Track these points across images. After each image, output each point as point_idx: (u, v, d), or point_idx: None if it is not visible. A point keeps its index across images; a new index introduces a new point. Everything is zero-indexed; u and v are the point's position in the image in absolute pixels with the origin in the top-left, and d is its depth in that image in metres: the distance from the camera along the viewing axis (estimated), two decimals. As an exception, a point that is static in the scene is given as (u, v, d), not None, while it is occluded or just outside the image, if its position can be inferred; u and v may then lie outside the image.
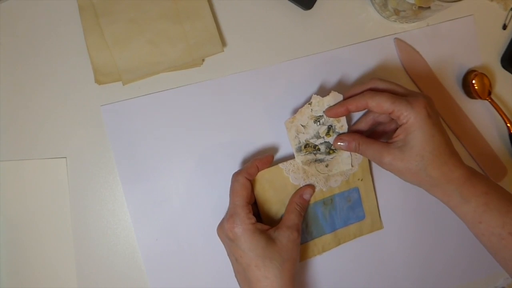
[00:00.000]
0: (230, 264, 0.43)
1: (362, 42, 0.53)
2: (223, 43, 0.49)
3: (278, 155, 0.50)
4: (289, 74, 0.51)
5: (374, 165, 0.51)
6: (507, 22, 0.56)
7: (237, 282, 0.43)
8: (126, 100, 0.48)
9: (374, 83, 0.44)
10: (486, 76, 0.54)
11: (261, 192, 0.45)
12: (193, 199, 0.49)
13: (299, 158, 0.46)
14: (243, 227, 0.41)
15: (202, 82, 0.49)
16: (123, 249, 0.48)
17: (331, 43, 0.52)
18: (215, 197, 0.48)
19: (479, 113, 0.55)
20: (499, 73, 0.56)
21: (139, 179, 0.48)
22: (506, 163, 0.55)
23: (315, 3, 0.50)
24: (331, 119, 0.46)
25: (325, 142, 0.47)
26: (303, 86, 0.51)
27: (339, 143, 0.46)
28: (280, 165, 0.46)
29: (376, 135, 0.50)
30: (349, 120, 0.49)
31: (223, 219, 0.43)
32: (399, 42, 0.53)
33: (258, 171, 0.44)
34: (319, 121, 0.46)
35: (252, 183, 0.44)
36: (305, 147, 0.46)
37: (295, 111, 0.47)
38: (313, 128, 0.46)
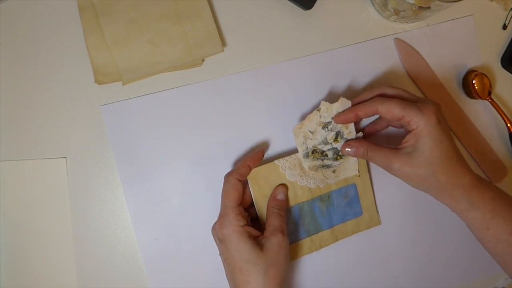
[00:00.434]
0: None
1: (362, 42, 0.53)
2: (223, 43, 0.49)
3: (277, 153, 0.50)
4: (289, 74, 0.51)
5: (372, 163, 0.51)
6: (507, 22, 0.56)
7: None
8: (126, 100, 0.48)
9: (383, 89, 0.44)
10: (486, 76, 0.54)
11: (257, 189, 0.45)
12: (192, 199, 0.49)
13: (306, 164, 0.47)
14: (231, 228, 0.41)
15: (202, 82, 0.49)
16: (123, 249, 0.48)
17: (331, 43, 0.52)
18: (215, 197, 0.48)
19: (479, 113, 0.55)
20: (499, 73, 0.56)
21: (139, 179, 0.48)
22: (506, 163, 0.55)
23: (315, 3, 0.50)
24: (339, 125, 0.46)
25: (333, 148, 0.47)
26: (303, 86, 0.51)
27: (347, 149, 0.46)
28: (276, 161, 0.46)
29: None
30: (357, 127, 0.49)
31: (217, 220, 0.43)
32: (399, 42, 0.53)
33: (250, 169, 0.44)
34: (327, 127, 0.46)
35: (245, 182, 0.44)
36: (312, 153, 0.46)
37: (303, 117, 0.47)
38: (321, 134, 0.46)
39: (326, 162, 0.47)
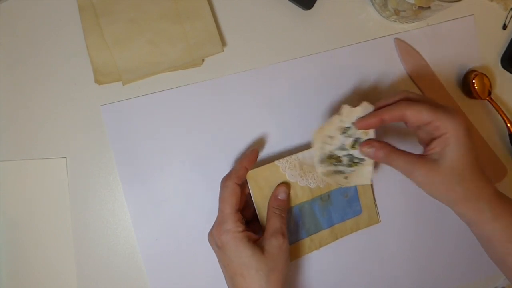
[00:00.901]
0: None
1: (362, 42, 0.53)
2: (223, 43, 0.49)
3: (277, 152, 0.50)
4: (289, 74, 0.51)
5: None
6: (507, 22, 0.56)
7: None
8: (126, 100, 0.48)
9: (405, 94, 0.42)
10: (486, 76, 0.54)
11: (257, 190, 0.45)
12: (192, 199, 0.49)
13: (320, 169, 0.45)
14: (230, 235, 0.40)
15: (202, 82, 0.49)
16: (123, 249, 0.48)
17: (331, 43, 0.52)
18: (215, 197, 0.48)
19: (479, 113, 0.55)
20: (499, 73, 0.56)
21: (139, 179, 0.48)
22: (506, 163, 0.55)
23: (315, 3, 0.50)
24: (359, 131, 0.43)
25: (349, 154, 0.45)
26: (303, 86, 0.51)
27: (366, 148, 0.43)
28: (276, 162, 0.46)
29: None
30: (377, 135, 0.46)
31: (213, 225, 0.43)
32: (399, 42, 0.53)
33: (247, 171, 0.44)
34: (346, 132, 0.44)
35: (245, 183, 0.44)
36: (328, 158, 0.45)
37: (324, 121, 0.45)
38: (339, 139, 0.44)
39: (340, 167, 0.45)
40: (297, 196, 0.47)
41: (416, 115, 0.39)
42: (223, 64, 0.49)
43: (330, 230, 0.49)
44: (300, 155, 0.46)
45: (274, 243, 0.41)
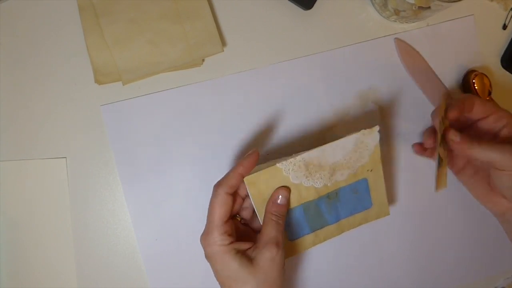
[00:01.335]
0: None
1: (362, 42, 0.53)
2: (223, 43, 0.49)
3: (277, 152, 0.50)
4: (289, 74, 0.51)
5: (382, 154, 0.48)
6: (507, 22, 0.56)
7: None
8: (126, 100, 0.48)
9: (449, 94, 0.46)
10: (486, 76, 0.54)
11: (257, 193, 0.42)
12: (192, 199, 0.49)
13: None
14: (216, 248, 0.39)
15: (202, 82, 0.49)
16: (123, 249, 0.48)
17: (331, 43, 0.52)
18: (215, 197, 0.48)
19: (479, 113, 0.55)
20: (499, 73, 0.56)
21: (139, 179, 0.48)
22: (506, 163, 0.55)
23: (315, 3, 0.50)
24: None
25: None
26: (303, 86, 0.51)
27: (452, 137, 0.44)
28: (278, 164, 0.42)
29: None
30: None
31: (202, 232, 0.41)
32: (399, 42, 0.53)
33: (243, 177, 0.40)
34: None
35: (242, 186, 0.42)
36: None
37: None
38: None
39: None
40: (302, 196, 0.44)
41: (482, 105, 0.45)
42: (223, 64, 0.50)
43: (337, 225, 0.46)
44: (305, 155, 0.42)
45: (267, 255, 0.38)
